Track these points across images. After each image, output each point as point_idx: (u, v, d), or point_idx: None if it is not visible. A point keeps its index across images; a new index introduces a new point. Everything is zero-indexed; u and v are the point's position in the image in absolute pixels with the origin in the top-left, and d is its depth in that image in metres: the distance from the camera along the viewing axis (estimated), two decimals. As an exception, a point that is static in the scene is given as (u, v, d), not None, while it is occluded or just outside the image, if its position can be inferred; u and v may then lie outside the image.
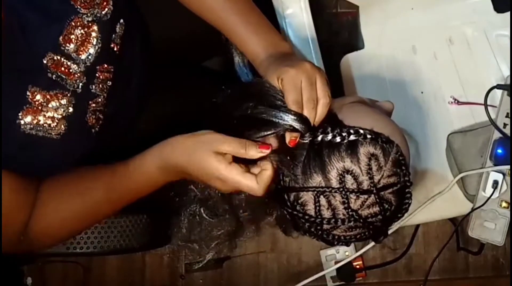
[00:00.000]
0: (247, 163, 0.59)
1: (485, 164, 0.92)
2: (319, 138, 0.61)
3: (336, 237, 0.63)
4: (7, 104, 0.55)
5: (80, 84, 0.62)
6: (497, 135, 0.92)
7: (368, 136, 0.61)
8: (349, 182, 0.60)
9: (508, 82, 0.94)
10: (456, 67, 1.04)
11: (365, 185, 0.60)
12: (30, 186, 0.61)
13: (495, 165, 0.91)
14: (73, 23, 0.60)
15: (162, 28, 0.82)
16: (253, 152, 0.57)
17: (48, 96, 0.58)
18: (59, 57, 0.59)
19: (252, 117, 0.60)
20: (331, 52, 1.07)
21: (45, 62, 0.58)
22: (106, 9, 0.63)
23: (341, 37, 1.32)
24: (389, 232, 0.67)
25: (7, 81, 0.55)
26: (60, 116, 0.60)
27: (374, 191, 0.60)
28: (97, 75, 0.64)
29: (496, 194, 0.90)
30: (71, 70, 0.60)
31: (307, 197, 0.61)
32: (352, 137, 0.60)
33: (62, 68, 0.60)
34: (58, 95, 0.59)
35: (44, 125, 0.59)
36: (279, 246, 1.39)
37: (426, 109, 1.03)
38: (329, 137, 0.60)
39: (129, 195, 0.64)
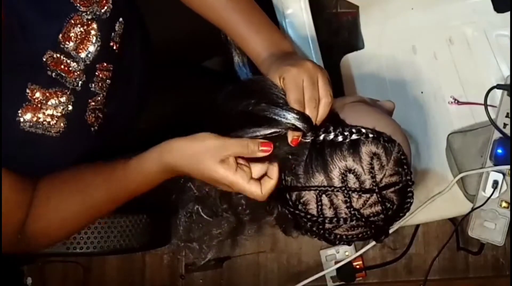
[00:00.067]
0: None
1: (485, 164, 0.92)
2: (321, 137, 0.60)
3: (338, 236, 0.63)
4: (7, 102, 0.55)
5: (80, 82, 0.62)
6: (497, 135, 0.92)
7: (370, 135, 0.61)
8: (351, 181, 0.60)
9: (508, 82, 0.94)
10: (456, 67, 1.04)
11: (367, 184, 0.60)
12: (27, 185, 0.61)
13: (495, 165, 0.91)
14: (72, 21, 0.60)
15: (162, 28, 0.82)
16: (255, 152, 0.57)
17: (47, 94, 0.58)
18: (58, 55, 0.59)
19: (253, 114, 0.60)
20: (331, 52, 1.07)
21: (44, 59, 0.58)
22: (106, 7, 0.63)
23: (341, 37, 1.32)
24: (390, 231, 0.67)
25: (7, 79, 0.55)
26: (59, 114, 0.60)
27: (376, 190, 0.60)
28: (96, 73, 0.64)
29: (496, 194, 0.90)
30: (70, 68, 0.60)
31: (309, 196, 0.61)
32: (354, 136, 0.60)
33: (62, 66, 0.60)
34: (58, 93, 0.59)
35: (44, 122, 0.59)
36: (279, 246, 1.39)
37: (426, 109, 1.03)
38: (331, 136, 0.60)
39: (128, 193, 0.63)
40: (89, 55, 0.62)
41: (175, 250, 1.29)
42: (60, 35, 0.59)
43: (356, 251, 1.29)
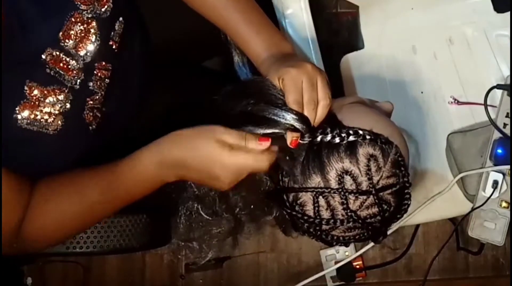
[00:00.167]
0: None
1: (485, 164, 0.92)
2: (318, 139, 0.61)
3: (335, 237, 0.64)
4: (5, 99, 0.55)
5: (78, 80, 0.62)
6: (497, 135, 0.92)
7: (367, 137, 0.61)
8: (348, 182, 0.60)
9: (508, 82, 0.94)
10: (456, 67, 1.04)
11: (364, 186, 0.60)
12: (25, 186, 0.61)
13: (495, 165, 0.91)
14: (72, 19, 0.60)
15: (162, 28, 0.82)
16: (253, 145, 0.57)
17: (45, 92, 0.58)
18: (58, 53, 0.59)
19: (252, 114, 0.60)
20: (331, 52, 1.07)
21: (44, 57, 0.58)
22: (106, 6, 0.63)
23: (341, 37, 1.32)
24: (389, 232, 0.67)
25: (5, 76, 0.55)
26: (57, 112, 0.60)
27: (373, 192, 0.60)
28: (95, 72, 0.64)
29: (496, 194, 0.90)
30: (69, 66, 0.60)
31: (306, 197, 0.61)
32: (351, 138, 0.60)
33: (61, 64, 0.60)
34: (56, 90, 0.59)
35: (41, 120, 0.59)
36: (279, 246, 1.39)
37: (426, 109, 1.03)
38: (328, 137, 0.60)
39: (125, 193, 0.63)
40: (88, 54, 0.62)
41: (175, 250, 1.29)
42: (60, 33, 0.59)
43: (356, 251, 1.29)
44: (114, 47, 0.66)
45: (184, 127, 0.60)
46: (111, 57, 0.66)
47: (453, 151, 0.96)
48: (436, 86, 1.04)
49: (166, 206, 0.72)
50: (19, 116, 0.57)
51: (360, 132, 0.61)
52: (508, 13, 1.02)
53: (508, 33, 1.01)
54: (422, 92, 1.04)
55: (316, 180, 0.61)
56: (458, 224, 1.05)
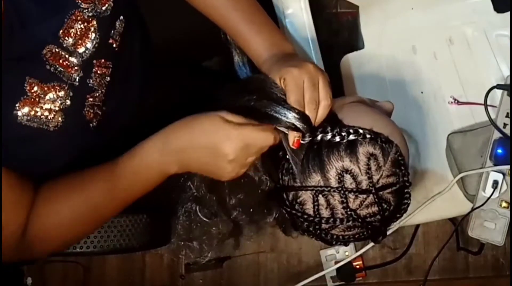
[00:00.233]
0: None
1: (485, 164, 0.92)
2: (319, 138, 0.61)
3: (335, 236, 0.64)
4: (5, 95, 0.55)
5: (77, 77, 0.62)
6: (497, 135, 0.92)
7: (368, 136, 0.61)
8: (348, 181, 0.60)
9: (508, 82, 0.94)
10: (456, 67, 1.04)
11: (364, 184, 0.60)
12: (27, 187, 0.61)
13: (495, 165, 0.91)
14: (73, 17, 0.60)
15: (162, 28, 0.82)
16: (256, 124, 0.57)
17: (45, 88, 0.58)
18: (57, 50, 0.59)
19: (254, 109, 0.60)
20: (331, 52, 1.07)
21: (43, 53, 0.58)
22: (107, 5, 0.63)
23: (341, 37, 1.32)
24: (389, 232, 0.67)
25: (5, 72, 0.55)
26: (57, 108, 0.60)
27: (373, 191, 0.60)
28: (94, 69, 0.64)
29: (496, 194, 0.90)
30: (69, 63, 0.60)
31: (306, 196, 0.62)
32: (351, 137, 0.61)
33: (61, 61, 0.60)
34: (56, 87, 0.59)
35: (41, 117, 0.59)
36: (279, 246, 1.39)
37: (426, 109, 1.03)
38: (329, 136, 0.61)
39: (128, 187, 0.62)
40: (86, 51, 0.62)
41: (175, 250, 1.29)
42: (61, 31, 0.59)
43: (356, 251, 1.29)
44: (114, 45, 0.66)
45: None
46: (111, 55, 0.66)
47: (453, 151, 0.96)
48: (436, 86, 1.04)
49: (166, 206, 0.72)
50: (19, 113, 0.57)
51: (360, 131, 0.61)
52: (508, 13, 1.02)
53: (508, 33, 1.01)
54: (422, 92, 1.04)
55: (316, 179, 0.61)
56: (458, 224, 1.05)
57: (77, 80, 0.62)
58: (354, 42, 1.14)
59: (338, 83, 1.06)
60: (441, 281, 1.34)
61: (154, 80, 0.80)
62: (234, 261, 1.37)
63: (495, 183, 0.90)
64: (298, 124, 0.58)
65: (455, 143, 0.96)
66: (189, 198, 0.65)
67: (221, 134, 0.57)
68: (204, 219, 0.65)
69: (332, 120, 0.63)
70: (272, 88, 0.61)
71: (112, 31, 0.66)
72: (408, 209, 0.65)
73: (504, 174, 0.90)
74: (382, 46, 1.08)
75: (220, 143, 0.57)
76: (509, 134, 0.91)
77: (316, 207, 0.61)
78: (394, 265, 1.35)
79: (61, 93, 0.60)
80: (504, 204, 0.91)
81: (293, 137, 0.59)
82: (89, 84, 0.64)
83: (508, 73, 0.98)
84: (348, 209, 0.60)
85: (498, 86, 0.94)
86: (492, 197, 0.90)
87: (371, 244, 0.99)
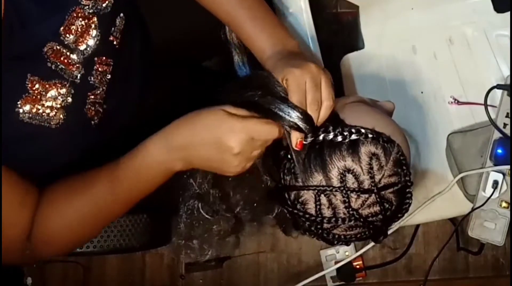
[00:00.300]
0: None
1: (485, 164, 0.92)
2: (321, 137, 0.61)
3: (336, 236, 0.64)
4: (7, 93, 0.55)
5: (78, 75, 0.62)
6: (497, 135, 0.92)
7: (370, 136, 0.61)
8: (350, 181, 0.60)
9: (508, 82, 0.94)
10: (456, 67, 1.04)
11: (366, 184, 0.60)
12: (31, 187, 0.61)
13: (495, 165, 0.91)
14: (74, 14, 0.60)
15: (162, 28, 0.82)
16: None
17: (47, 85, 0.59)
18: (58, 47, 0.59)
19: (258, 105, 0.59)
20: (331, 52, 1.07)
21: (45, 51, 0.58)
22: (107, 2, 0.63)
23: (341, 37, 1.32)
24: (389, 232, 0.67)
25: (7, 70, 0.55)
26: (59, 106, 0.60)
27: (375, 191, 0.60)
28: (95, 67, 0.64)
29: (496, 194, 0.90)
30: (70, 61, 0.60)
31: (308, 196, 0.62)
32: (353, 137, 0.61)
33: (62, 58, 0.60)
34: (57, 84, 0.59)
35: (43, 114, 0.59)
36: (279, 246, 1.39)
37: (426, 109, 1.03)
38: (331, 136, 0.61)
39: (132, 187, 0.62)
40: (88, 49, 0.62)
41: (175, 250, 1.29)
42: (62, 27, 0.59)
43: (356, 251, 1.29)
44: (115, 43, 0.66)
45: None
46: (112, 52, 0.66)
47: (453, 151, 0.96)
48: (436, 86, 1.04)
49: (167, 205, 0.72)
50: (20, 110, 0.57)
51: (362, 130, 0.61)
52: (508, 13, 1.02)
53: (508, 33, 1.01)
54: (422, 92, 1.04)
55: (318, 178, 0.61)
56: (458, 224, 1.05)
57: (78, 77, 0.62)
58: (354, 42, 1.14)
59: (338, 83, 1.06)
60: (441, 281, 1.34)
61: (154, 80, 0.80)
62: (234, 261, 1.37)
63: (495, 183, 0.90)
64: (300, 124, 0.58)
65: (455, 143, 0.96)
66: (191, 195, 0.65)
67: (225, 128, 0.56)
68: (206, 216, 0.65)
69: (334, 120, 0.63)
70: (275, 87, 0.61)
71: (113, 28, 0.66)
72: (409, 208, 0.65)
73: (504, 174, 0.90)
74: (382, 46, 1.08)
75: (225, 137, 0.56)
76: (509, 134, 0.91)
77: (318, 206, 0.61)
78: (394, 265, 1.35)
79: (63, 91, 0.60)
80: (504, 204, 0.91)
81: (295, 139, 0.59)
82: (90, 82, 0.64)
83: (508, 73, 0.98)
84: (350, 209, 0.60)
85: (498, 86, 0.94)
86: (492, 197, 0.90)
87: (371, 244, 0.99)
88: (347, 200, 0.60)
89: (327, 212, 0.61)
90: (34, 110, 0.58)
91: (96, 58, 0.64)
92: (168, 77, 0.86)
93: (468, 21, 1.06)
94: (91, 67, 0.64)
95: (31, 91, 0.57)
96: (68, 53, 0.60)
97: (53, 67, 0.59)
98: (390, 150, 0.62)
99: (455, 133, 0.97)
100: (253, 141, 0.57)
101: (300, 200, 0.62)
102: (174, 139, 0.58)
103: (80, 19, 0.60)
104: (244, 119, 0.56)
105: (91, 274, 1.36)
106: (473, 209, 0.92)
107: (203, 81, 0.96)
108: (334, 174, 0.60)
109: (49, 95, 0.59)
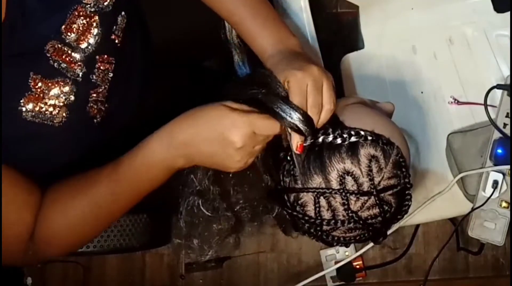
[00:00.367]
0: None
1: (485, 164, 0.92)
2: (320, 139, 0.61)
3: (336, 238, 0.64)
4: (9, 91, 0.55)
5: (80, 73, 0.62)
6: (497, 135, 0.92)
7: (369, 138, 0.61)
8: (349, 183, 0.60)
9: (508, 82, 0.94)
10: (456, 67, 1.04)
11: (365, 186, 0.60)
12: (34, 186, 0.61)
13: (495, 165, 0.91)
14: (76, 13, 0.60)
15: (162, 28, 0.82)
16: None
17: (49, 84, 0.59)
18: (60, 46, 0.59)
19: (261, 102, 0.59)
20: (331, 52, 1.07)
21: (46, 49, 0.58)
22: (108, 1, 0.63)
23: (341, 37, 1.32)
24: (389, 232, 0.67)
25: (9, 68, 0.55)
26: (61, 104, 0.60)
27: (374, 193, 0.60)
28: (97, 65, 0.64)
29: (496, 194, 0.90)
30: (72, 59, 0.61)
31: (307, 198, 0.62)
32: (353, 139, 0.60)
33: (63, 56, 0.60)
34: (60, 82, 0.60)
35: (46, 112, 0.59)
36: (279, 246, 1.39)
37: (426, 109, 1.03)
38: (330, 138, 0.60)
39: (134, 185, 0.61)
40: (89, 47, 0.62)
41: (175, 250, 1.29)
42: (63, 26, 0.59)
43: (356, 251, 1.28)
44: (116, 41, 0.66)
45: None
46: (114, 51, 0.66)
47: (453, 151, 0.96)
48: (436, 86, 1.04)
49: (167, 205, 0.72)
50: (23, 109, 0.57)
51: (362, 133, 0.61)
52: (508, 13, 1.02)
53: (508, 33, 1.01)
54: (422, 92, 1.04)
55: (317, 181, 0.61)
56: (458, 224, 1.05)
57: (80, 75, 0.62)
58: (354, 42, 1.14)
59: (338, 83, 1.06)
60: (441, 281, 1.34)
61: (154, 80, 0.80)
62: (234, 261, 1.36)
63: (495, 183, 0.90)
64: (301, 126, 0.58)
65: (455, 143, 0.96)
66: (192, 192, 0.65)
67: (227, 122, 0.56)
68: (207, 213, 0.64)
69: (334, 122, 0.62)
70: (278, 87, 0.60)
71: (114, 27, 0.65)
72: (409, 210, 0.65)
73: (504, 174, 0.90)
74: (382, 46, 1.08)
75: (227, 131, 0.56)
76: (509, 134, 0.91)
77: (317, 209, 0.61)
78: (394, 265, 1.35)
79: (66, 89, 0.60)
80: (504, 204, 0.91)
81: (296, 142, 0.58)
82: (92, 80, 0.64)
83: (508, 73, 0.98)
84: (350, 211, 0.60)
85: (498, 86, 0.94)
86: (492, 197, 0.90)
87: (371, 244, 0.99)
88: (346, 203, 0.60)
89: (326, 214, 0.61)
90: (37, 109, 0.58)
91: (97, 57, 0.64)
92: (168, 77, 0.86)
93: (468, 21, 1.06)
94: (93, 65, 0.64)
95: (34, 90, 0.57)
96: (69, 52, 0.60)
97: (55, 65, 0.59)
98: (390, 152, 0.62)
99: (455, 133, 0.97)
100: (255, 136, 0.57)
101: (299, 202, 0.62)
102: (176, 136, 0.58)
103: (82, 17, 0.60)
104: (246, 114, 0.56)
105: (91, 274, 1.36)
106: (473, 209, 0.92)
107: (203, 81, 0.96)
108: (334, 176, 0.60)
109: (51, 93, 0.59)
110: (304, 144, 0.59)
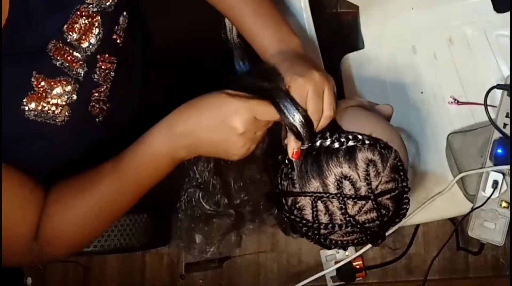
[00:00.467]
0: None
1: (485, 164, 0.92)
2: (318, 143, 0.60)
3: (333, 241, 0.64)
4: (12, 90, 0.55)
5: (82, 72, 0.62)
6: (497, 135, 0.92)
7: (367, 142, 0.61)
8: (347, 188, 0.60)
9: (508, 82, 0.94)
10: (456, 67, 1.04)
11: (363, 191, 0.60)
12: (37, 185, 0.61)
13: (495, 165, 0.91)
14: (78, 13, 0.60)
15: (162, 28, 0.82)
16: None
17: (52, 83, 0.59)
18: (62, 45, 0.59)
19: (268, 95, 0.58)
20: (331, 52, 1.07)
21: (49, 48, 0.59)
22: (110, 1, 0.63)
23: (341, 37, 1.32)
24: (389, 233, 0.67)
25: (12, 67, 0.55)
26: (64, 103, 0.60)
27: (372, 197, 0.60)
28: (98, 64, 0.64)
29: (496, 194, 0.90)
30: (73, 58, 0.61)
31: (305, 202, 0.62)
32: (350, 143, 0.60)
33: (65, 56, 0.60)
34: (62, 82, 0.60)
35: (48, 112, 0.59)
36: (279, 246, 1.38)
37: (426, 109, 1.03)
38: (328, 142, 0.60)
39: (137, 180, 0.61)
40: (90, 46, 0.62)
41: (175, 249, 1.29)
42: (65, 25, 0.59)
43: (356, 251, 1.28)
44: (118, 41, 0.66)
45: None
46: (115, 50, 0.66)
47: (453, 151, 0.96)
48: (436, 86, 1.04)
49: (167, 205, 0.72)
50: (26, 108, 0.57)
51: (359, 137, 0.61)
52: (508, 13, 1.02)
53: (508, 33, 1.01)
54: (422, 92, 1.04)
55: (314, 185, 0.60)
56: (458, 224, 1.05)
57: (82, 75, 0.62)
58: (354, 42, 1.14)
59: (338, 83, 1.06)
60: (441, 281, 1.34)
61: (154, 80, 0.80)
62: (234, 261, 1.36)
63: (495, 183, 0.90)
64: (301, 130, 0.58)
65: (455, 143, 0.96)
66: (192, 184, 0.64)
67: (228, 108, 0.55)
68: (206, 206, 0.64)
69: (331, 126, 0.62)
70: (279, 83, 0.60)
71: (116, 27, 0.66)
72: (406, 214, 0.65)
73: (504, 174, 0.90)
74: (382, 46, 1.08)
75: (229, 118, 0.55)
76: (509, 134, 0.91)
77: (315, 213, 0.61)
78: (394, 265, 1.35)
79: (68, 88, 0.60)
80: (504, 204, 0.91)
81: (292, 149, 0.58)
82: (94, 79, 0.64)
83: (508, 73, 0.98)
84: (347, 215, 0.60)
85: (498, 86, 0.94)
86: (492, 197, 0.90)
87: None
88: (343, 207, 0.60)
89: (324, 219, 0.61)
90: (39, 108, 0.58)
91: (99, 56, 0.64)
92: (168, 77, 0.86)
93: (468, 21, 1.06)
94: (94, 64, 0.64)
95: (36, 89, 0.58)
96: (71, 51, 0.60)
97: (57, 64, 0.59)
98: (387, 156, 0.62)
99: (455, 133, 0.97)
100: (256, 121, 0.56)
101: (297, 206, 0.62)
102: (177, 127, 0.57)
103: (84, 17, 0.60)
104: (246, 99, 0.56)
105: (91, 274, 1.36)
106: (473, 209, 0.92)
107: (203, 81, 0.96)
108: (331, 180, 0.60)
109: (54, 92, 0.59)
110: (302, 148, 0.59)
